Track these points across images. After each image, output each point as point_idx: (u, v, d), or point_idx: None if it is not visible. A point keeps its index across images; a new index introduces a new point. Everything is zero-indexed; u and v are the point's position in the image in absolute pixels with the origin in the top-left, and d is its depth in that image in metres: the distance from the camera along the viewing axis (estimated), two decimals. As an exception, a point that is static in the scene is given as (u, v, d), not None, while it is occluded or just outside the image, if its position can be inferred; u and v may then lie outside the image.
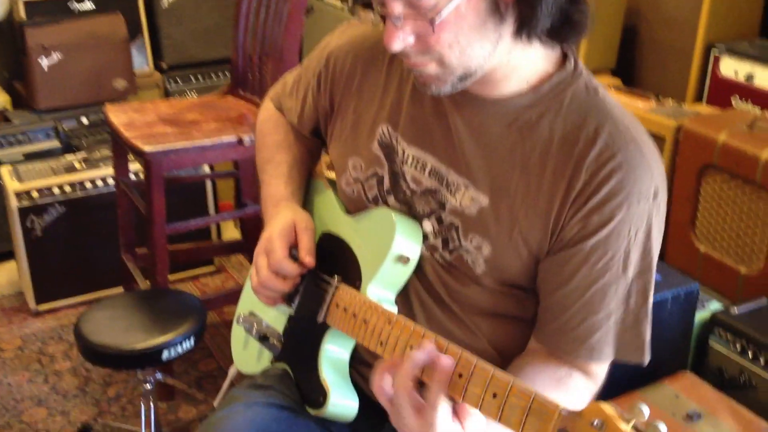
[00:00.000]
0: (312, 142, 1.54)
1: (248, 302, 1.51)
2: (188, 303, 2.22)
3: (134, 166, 2.79)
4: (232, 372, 1.49)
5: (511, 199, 1.19)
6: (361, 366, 1.33)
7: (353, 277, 1.29)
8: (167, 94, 3.91)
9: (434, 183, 1.26)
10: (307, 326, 1.32)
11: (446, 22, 1.09)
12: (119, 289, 2.89)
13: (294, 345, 1.36)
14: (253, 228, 2.88)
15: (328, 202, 1.43)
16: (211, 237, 3.17)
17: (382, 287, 1.26)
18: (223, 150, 2.38)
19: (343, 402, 1.26)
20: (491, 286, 1.24)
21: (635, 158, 1.15)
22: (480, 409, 1.00)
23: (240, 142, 2.38)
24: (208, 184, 3.07)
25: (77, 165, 2.96)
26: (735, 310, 2.16)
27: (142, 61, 3.85)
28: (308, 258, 1.32)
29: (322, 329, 1.30)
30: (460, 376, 1.02)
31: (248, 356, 1.47)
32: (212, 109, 2.62)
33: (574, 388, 1.20)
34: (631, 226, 1.15)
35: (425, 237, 1.27)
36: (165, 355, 2.05)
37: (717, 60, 2.98)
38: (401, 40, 1.12)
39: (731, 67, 2.94)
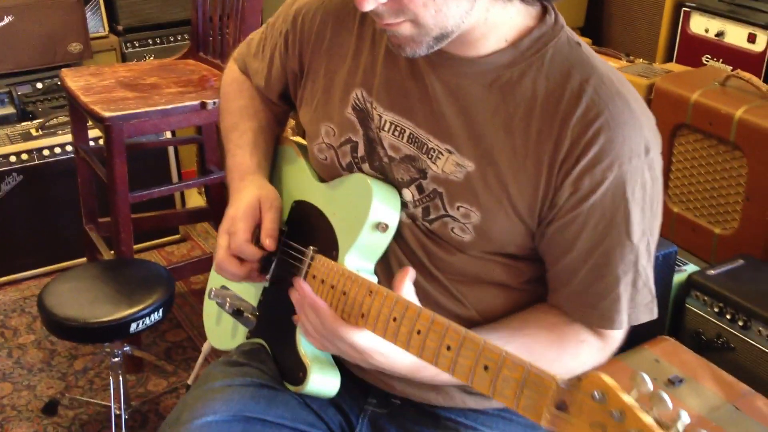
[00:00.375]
0: (279, 107, 1.47)
1: (219, 275, 1.45)
2: (155, 273, 2.16)
3: (94, 133, 2.69)
4: (205, 348, 1.43)
5: (497, 164, 1.14)
6: None
7: (329, 247, 1.23)
8: (124, 57, 3.77)
9: (413, 150, 1.20)
10: (282, 300, 1.26)
11: None
12: (83, 260, 2.81)
13: (270, 319, 1.31)
14: (218, 195, 2.81)
15: (299, 170, 1.37)
16: (175, 205, 3.08)
17: (360, 257, 1.21)
18: (185, 115, 2.30)
19: (323, 378, 1.21)
20: (477, 254, 1.19)
21: (622, 114, 1.10)
22: (472, 383, 0.95)
23: (203, 106, 2.30)
24: (171, 151, 2.98)
25: (34, 132, 2.85)
26: (711, 271, 2.14)
27: (97, 23, 3.69)
28: (268, 241, 1.27)
29: None
30: (449, 348, 0.97)
31: (222, 332, 1.42)
32: (172, 72, 2.53)
33: (585, 352, 1.18)
34: (626, 186, 1.10)
35: (405, 205, 1.22)
36: (133, 327, 1.98)
37: (687, 17, 2.95)
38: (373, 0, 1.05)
39: (702, 25, 2.91)
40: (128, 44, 3.78)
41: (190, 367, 2.46)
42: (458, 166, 1.16)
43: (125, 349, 2.15)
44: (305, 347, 1.22)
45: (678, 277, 2.16)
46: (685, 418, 0.78)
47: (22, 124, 2.96)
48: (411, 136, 1.20)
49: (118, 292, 2.07)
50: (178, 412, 1.23)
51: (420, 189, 1.20)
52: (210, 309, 1.46)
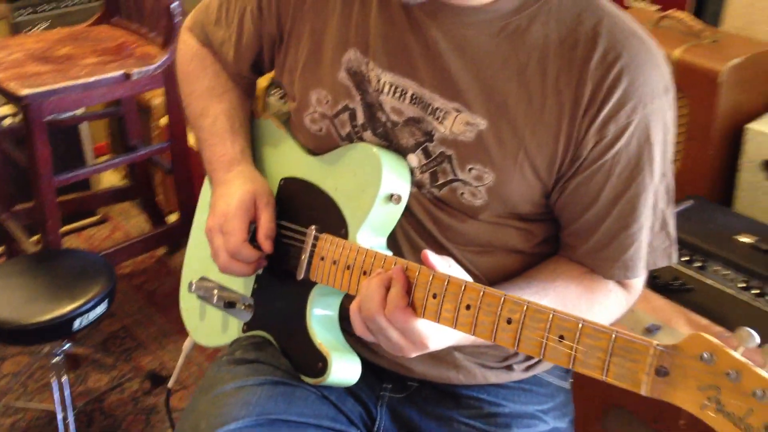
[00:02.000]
0: (248, 79, 1.35)
1: (196, 266, 1.33)
2: (91, 262, 2.01)
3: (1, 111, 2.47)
4: (186, 346, 1.33)
5: (512, 118, 1.07)
6: (350, 326, 1.18)
7: (335, 224, 1.13)
8: (17, 27, 3.50)
9: (417, 111, 1.11)
10: (284, 286, 1.16)
11: None
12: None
13: (271, 308, 1.20)
14: (143, 173, 2.64)
15: (284, 144, 1.26)
16: (90, 185, 2.88)
17: (373, 232, 1.12)
18: (109, 87, 2.13)
19: (345, 365, 1.12)
20: (490, 218, 1.13)
21: (641, 54, 1.05)
22: (544, 356, 0.88)
23: (127, 77, 2.14)
24: (83, 127, 2.78)
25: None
26: (663, 213, 2.15)
27: (-19, -9, 3.42)
28: (267, 243, 1.18)
29: (305, 287, 1.14)
30: (509, 321, 0.90)
31: (209, 327, 1.30)
32: (86, 41, 2.34)
33: (613, 302, 1.14)
34: (650, 128, 1.06)
35: (411, 172, 1.13)
36: (77, 324, 1.84)
37: (608, -41, 2.93)
38: None
39: (623, -34, 2.89)
40: (19, 11, 3.50)
41: (130, 359, 2.33)
42: (468, 124, 1.08)
43: (66, 347, 1.98)
44: (321, 335, 1.12)
45: (632, 222, 2.16)
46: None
47: None
48: (414, 96, 1.11)
49: (54, 286, 1.91)
50: (193, 422, 1.11)
51: (426, 153, 1.11)
52: (190, 303, 1.34)
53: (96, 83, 2.10)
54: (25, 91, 1.99)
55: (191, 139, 2.44)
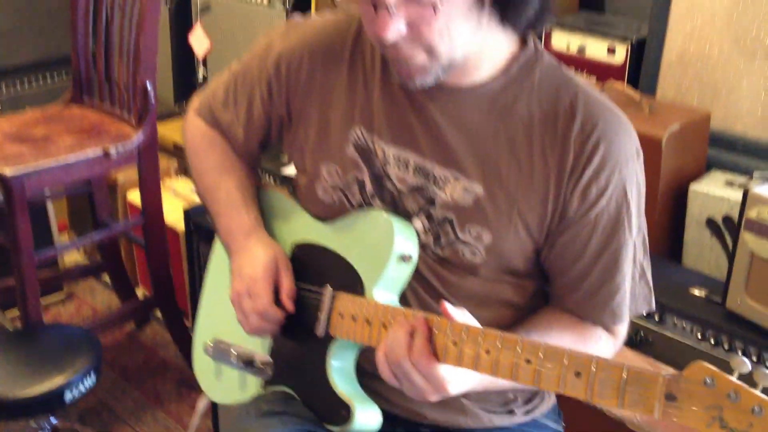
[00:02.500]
0: (252, 156, 1.46)
1: (210, 328, 1.41)
2: (75, 334, 2.05)
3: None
4: (201, 406, 1.38)
5: (505, 183, 1.20)
6: (363, 378, 1.28)
7: (351, 283, 1.23)
8: (-33, 110, 3.54)
9: (420, 180, 1.23)
10: (302, 342, 1.25)
11: (447, 7, 1.08)
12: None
13: (290, 364, 1.29)
14: (113, 249, 2.68)
15: (294, 212, 1.37)
16: (57, 262, 2.91)
17: (387, 289, 1.22)
18: (89, 164, 2.20)
19: (367, 413, 1.22)
20: (488, 274, 1.24)
21: (614, 124, 1.20)
22: (564, 390, 0.99)
23: (107, 155, 2.20)
24: (49, 206, 2.82)
25: None
26: (621, 269, 2.29)
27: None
28: (289, 303, 1.29)
29: (325, 342, 1.24)
30: (528, 361, 1.01)
31: (227, 386, 1.37)
32: (59, 121, 2.41)
33: (603, 347, 1.25)
34: (626, 187, 1.20)
35: (417, 235, 1.24)
36: (68, 396, 1.87)
37: (548, 35, 3.12)
38: (395, 30, 1.09)
39: (563, 41, 3.09)
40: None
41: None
42: (466, 190, 1.20)
43: (54, 422, 2.00)
44: (341, 385, 1.21)
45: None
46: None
47: None
48: (416, 166, 1.23)
49: (41, 360, 1.95)
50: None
51: (429, 217, 1.23)
52: (205, 365, 1.41)
53: (76, 162, 2.17)
54: (8, 171, 2.05)
55: (167, 216, 2.50)
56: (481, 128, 1.21)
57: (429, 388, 1.08)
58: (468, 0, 1.09)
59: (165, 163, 2.94)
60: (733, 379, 0.89)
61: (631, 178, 1.21)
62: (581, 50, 3.03)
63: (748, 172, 2.38)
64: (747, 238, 1.97)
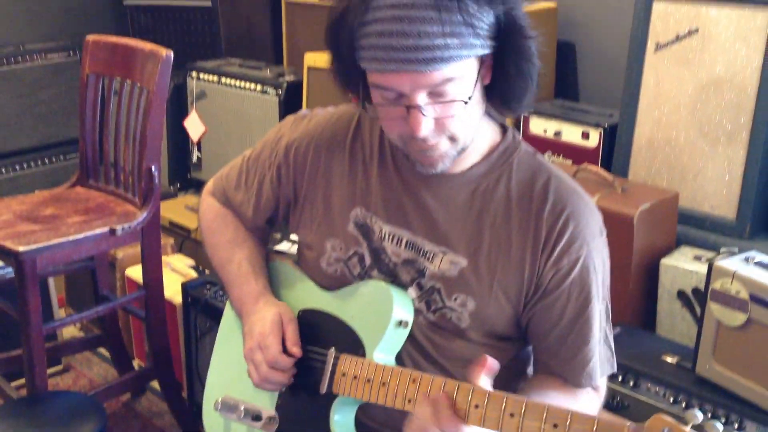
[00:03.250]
0: (261, 231, 1.61)
1: (220, 387, 1.53)
2: (80, 402, 2.15)
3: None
4: None
5: (486, 256, 1.35)
6: (362, 430, 1.42)
7: (352, 346, 1.37)
8: (-29, 190, 3.67)
9: (412, 254, 1.38)
10: (307, 399, 1.37)
11: (470, 102, 1.25)
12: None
13: (297, 419, 1.41)
14: (112, 322, 2.79)
15: (301, 282, 1.51)
16: (56, 336, 3.01)
17: (385, 352, 1.35)
18: (96, 242, 2.33)
19: None
20: (474, 338, 1.38)
21: (581, 206, 1.37)
22: None
23: (113, 232, 2.34)
24: (50, 281, 2.93)
25: None
26: (598, 340, 2.41)
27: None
28: (295, 348, 1.42)
29: (328, 399, 1.36)
30: (512, 415, 1.14)
31: (235, 440, 1.48)
32: (66, 202, 2.55)
33: (591, 401, 1.39)
34: (594, 260, 1.36)
35: (412, 303, 1.39)
36: (76, 461, 1.96)
37: (527, 120, 3.30)
38: (428, 127, 1.24)
39: (540, 126, 3.27)
40: (-29, 177, 3.69)
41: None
42: (452, 263, 1.35)
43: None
44: None
45: (571, 348, 2.41)
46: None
47: None
48: (408, 242, 1.38)
49: (49, 426, 2.03)
50: None
51: (420, 287, 1.37)
52: (214, 421, 1.53)
53: (84, 239, 2.29)
54: (21, 248, 2.18)
55: (167, 290, 2.63)
56: (466, 208, 1.37)
57: None
58: (479, 94, 1.27)
59: (163, 240, 3.07)
60: (688, 428, 1.03)
61: (596, 252, 1.37)
62: (557, 134, 3.21)
63: (715, 248, 2.53)
64: (713, 307, 2.11)
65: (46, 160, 3.90)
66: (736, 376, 2.07)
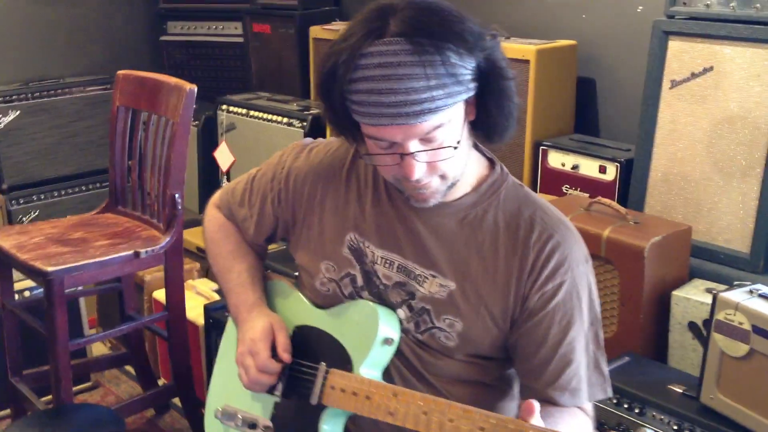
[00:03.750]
0: (262, 246, 1.70)
1: (221, 396, 1.62)
2: (102, 414, 2.25)
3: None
4: None
5: (474, 281, 1.43)
6: None
7: (341, 361, 1.45)
8: (9, 215, 3.83)
9: (402, 277, 1.46)
10: (299, 409, 1.46)
11: (460, 146, 1.34)
12: (3, 414, 2.82)
13: (287, 428, 1.49)
14: (138, 342, 2.90)
15: (296, 300, 1.60)
16: (86, 353, 3.13)
17: (371, 368, 1.43)
18: (121, 264, 2.44)
19: None
20: (460, 357, 1.45)
21: (566, 234, 1.44)
22: None
23: (137, 255, 2.44)
24: (81, 301, 3.06)
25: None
26: (605, 368, 2.45)
27: (-18, 184, 3.76)
28: (285, 354, 1.51)
29: (317, 410, 1.44)
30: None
31: (233, 447, 1.57)
32: (95, 226, 2.67)
33: (585, 422, 1.44)
34: (578, 286, 1.43)
35: (399, 322, 1.46)
36: (93, 471, 2.05)
37: (545, 154, 3.37)
38: (420, 170, 1.34)
39: (558, 160, 3.33)
40: (13, 202, 3.84)
41: None
42: (441, 286, 1.43)
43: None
44: None
45: (579, 377, 2.45)
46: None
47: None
48: (399, 266, 1.47)
49: (71, 436, 2.13)
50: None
51: (410, 308, 1.45)
52: (215, 428, 1.62)
53: (110, 261, 2.41)
54: (50, 269, 2.30)
55: (189, 311, 2.74)
56: (455, 236, 1.45)
57: None
58: (465, 132, 1.36)
59: (189, 264, 3.19)
60: None
61: (581, 278, 1.43)
62: (575, 168, 3.27)
63: (728, 282, 2.54)
64: (717, 338, 2.15)
65: (83, 188, 4.07)
66: (739, 405, 2.09)
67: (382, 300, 1.49)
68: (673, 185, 2.92)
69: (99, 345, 3.39)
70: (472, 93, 1.34)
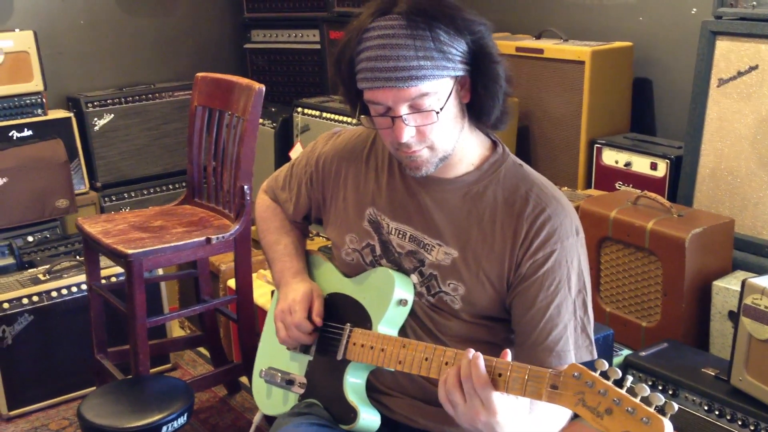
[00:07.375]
0: (302, 224, 1.94)
1: (266, 359, 1.84)
2: (174, 384, 2.50)
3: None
4: (258, 418, 1.92)
5: (474, 250, 1.61)
6: (374, 393, 1.69)
7: (363, 321, 1.65)
8: (102, 210, 4.15)
9: (414, 246, 1.66)
10: (328, 365, 1.67)
11: (444, 114, 1.51)
12: (89, 390, 3.06)
13: (319, 382, 1.71)
14: (211, 324, 3.16)
15: (329, 270, 1.82)
16: (166, 334, 3.42)
17: (388, 326, 1.63)
18: (194, 249, 2.69)
19: (369, 415, 1.63)
20: (467, 318, 1.63)
21: (557, 209, 1.60)
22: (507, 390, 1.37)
23: (208, 241, 2.69)
24: (162, 286, 3.35)
25: (41, 277, 3.19)
26: (643, 353, 2.56)
27: (78, 181, 4.08)
28: (317, 319, 1.72)
29: (343, 365, 1.65)
30: (500, 375, 1.38)
31: (274, 401, 1.80)
32: (174, 216, 2.93)
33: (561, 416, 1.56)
34: (567, 256, 1.58)
35: (413, 286, 1.65)
36: (164, 430, 2.30)
37: (599, 152, 3.48)
38: (408, 134, 1.52)
39: (612, 157, 3.43)
40: (106, 198, 4.17)
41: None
42: (446, 254, 1.62)
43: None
44: (352, 396, 1.63)
45: (616, 360, 2.58)
46: (622, 379, 1.25)
47: (30, 270, 3.29)
48: (411, 236, 1.66)
49: (146, 402, 2.40)
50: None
51: (421, 274, 1.65)
52: (260, 386, 1.85)
53: (184, 246, 2.65)
54: (130, 251, 2.56)
55: (256, 297, 2.98)
56: (458, 209, 1.64)
57: (483, 410, 1.37)
58: (455, 109, 1.54)
59: (261, 256, 3.43)
60: (593, 373, 1.27)
61: (571, 249, 1.59)
62: (628, 165, 3.38)
63: (771, 274, 2.63)
64: (745, 321, 2.25)
65: (169, 186, 4.38)
66: (766, 387, 2.20)
67: (399, 266, 1.68)
68: (720, 181, 3.01)
69: (179, 332, 3.66)
70: (461, 73, 1.52)
